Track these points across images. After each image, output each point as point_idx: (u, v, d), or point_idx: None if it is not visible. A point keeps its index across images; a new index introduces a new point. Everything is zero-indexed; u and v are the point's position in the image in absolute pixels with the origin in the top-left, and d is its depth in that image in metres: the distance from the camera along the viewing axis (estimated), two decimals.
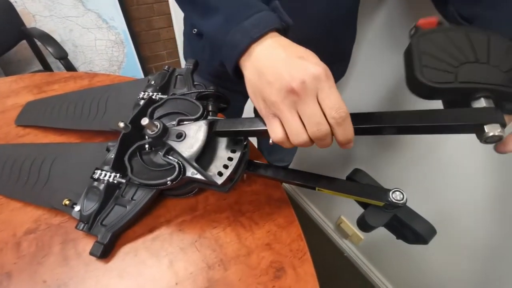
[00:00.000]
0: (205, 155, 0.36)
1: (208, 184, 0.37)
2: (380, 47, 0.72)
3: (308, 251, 0.41)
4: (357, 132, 0.29)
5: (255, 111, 0.51)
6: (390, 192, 0.33)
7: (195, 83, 0.49)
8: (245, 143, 0.38)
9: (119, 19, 1.56)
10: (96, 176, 0.40)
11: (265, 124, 0.30)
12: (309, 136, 0.28)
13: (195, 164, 0.35)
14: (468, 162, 0.67)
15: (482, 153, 0.63)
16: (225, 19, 0.31)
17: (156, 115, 0.42)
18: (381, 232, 0.40)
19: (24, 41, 1.28)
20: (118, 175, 0.40)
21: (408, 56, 0.30)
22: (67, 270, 0.37)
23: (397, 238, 0.37)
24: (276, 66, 0.27)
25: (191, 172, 0.36)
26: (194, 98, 0.43)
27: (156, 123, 0.35)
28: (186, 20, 0.64)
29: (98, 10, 1.49)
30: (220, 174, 0.36)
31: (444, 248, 0.82)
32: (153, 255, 0.39)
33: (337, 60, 0.63)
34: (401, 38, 0.66)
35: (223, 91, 0.45)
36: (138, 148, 0.39)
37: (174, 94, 0.48)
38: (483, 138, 0.26)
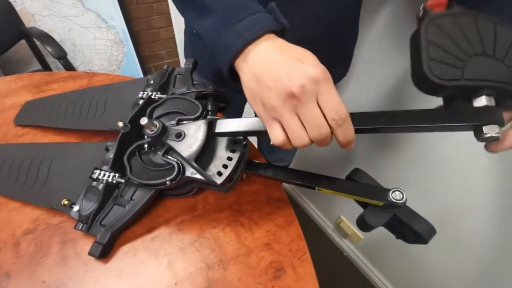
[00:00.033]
0: (204, 155, 0.36)
1: (208, 184, 0.37)
2: (382, 47, 0.72)
3: (308, 251, 0.41)
4: (358, 131, 0.28)
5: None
6: (390, 192, 0.32)
7: (195, 82, 0.49)
8: (244, 142, 0.38)
9: (118, 18, 1.56)
10: (95, 176, 0.40)
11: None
12: (310, 138, 0.28)
13: (194, 164, 0.35)
14: (468, 162, 0.67)
15: (482, 153, 0.62)
16: (219, 21, 0.31)
17: (155, 114, 0.42)
18: (381, 232, 0.40)
19: (23, 41, 1.28)
20: (117, 175, 0.39)
21: (415, 44, 0.29)
22: (66, 270, 0.37)
23: (397, 237, 0.37)
24: (273, 70, 0.27)
25: (190, 172, 0.36)
26: (194, 97, 0.43)
27: (155, 122, 0.35)
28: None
29: (97, 9, 1.48)
30: (219, 173, 0.35)
31: (444, 247, 0.82)
32: (152, 255, 0.39)
33: (338, 60, 0.62)
34: (403, 38, 0.66)
35: (223, 91, 0.45)
36: (137, 147, 0.39)
37: (173, 93, 0.47)
38: (481, 137, 0.26)
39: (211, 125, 0.36)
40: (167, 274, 0.37)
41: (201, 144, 0.35)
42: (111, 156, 0.39)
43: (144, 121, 0.34)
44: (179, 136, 0.36)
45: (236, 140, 0.38)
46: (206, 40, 0.33)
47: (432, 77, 0.27)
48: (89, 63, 1.63)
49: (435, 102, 0.31)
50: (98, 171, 0.40)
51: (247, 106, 0.77)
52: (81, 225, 0.38)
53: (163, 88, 0.49)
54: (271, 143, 0.30)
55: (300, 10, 0.46)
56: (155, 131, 0.35)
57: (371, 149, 0.92)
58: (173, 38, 1.85)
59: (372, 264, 1.18)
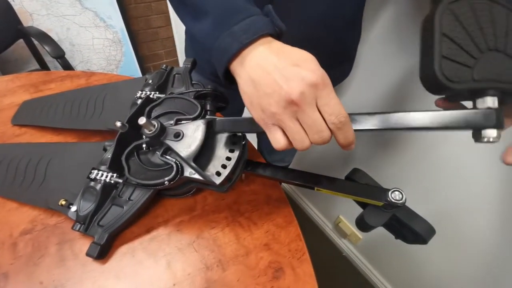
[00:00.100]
0: (203, 155, 0.36)
1: (206, 184, 0.37)
2: (385, 47, 0.71)
3: (307, 251, 0.41)
4: (358, 132, 0.28)
5: None
6: (389, 192, 0.32)
7: (194, 82, 0.49)
8: (243, 142, 0.38)
9: (116, 17, 1.55)
10: (92, 176, 0.39)
11: None
12: (311, 142, 0.28)
13: (193, 164, 0.34)
14: (468, 162, 0.67)
15: (482, 153, 0.63)
16: (215, 23, 0.30)
17: (154, 114, 0.42)
18: (380, 232, 0.40)
19: (21, 40, 1.27)
20: (115, 175, 0.39)
21: (428, 34, 0.28)
22: (64, 271, 0.37)
23: (396, 237, 0.37)
24: (271, 76, 0.26)
25: (189, 172, 0.36)
26: (192, 97, 0.43)
27: (154, 122, 0.35)
28: None
29: (96, 8, 1.48)
30: (218, 174, 0.35)
31: (444, 248, 0.82)
32: (150, 256, 0.39)
33: (341, 61, 0.62)
34: (406, 38, 0.66)
35: (223, 91, 0.44)
36: (136, 147, 0.38)
37: (172, 93, 0.47)
38: (479, 140, 0.26)
39: (210, 125, 0.36)
40: (166, 275, 0.37)
41: (199, 144, 0.35)
42: (109, 156, 0.39)
43: (142, 120, 0.34)
44: (178, 136, 0.36)
45: (235, 140, 0.37)
46: (202, 43, 0.33)
47: (442, 79, 0.26)
48: (87, 63, 1.63)
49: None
50: (96, 171, 0.40)
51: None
52: (79, 225, 0.38)
53: (161, 87, 0.49)
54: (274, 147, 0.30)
55: (301, 10, 0.45)
56: (153, 131, 0.35)
57: (371, 149, 0.92)
58: (171, 37, 1.85)
59: (371, 264, 1.18)
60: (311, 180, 0.38)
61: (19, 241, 0.39)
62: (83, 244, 0.39)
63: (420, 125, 0.27)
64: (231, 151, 0.37)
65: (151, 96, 0.46)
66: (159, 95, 0.46)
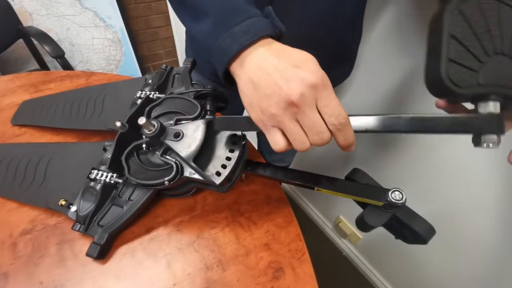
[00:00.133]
0: (203, 155, 0.36)
1: (206, 184, 0.37)
2: (386, 48, 0.71)
3: (307, 251, 0.41)
4: (357, 132, 0.28)
5: None
6: (389, 192, 0.32)
7: (193, 82, 0.49)
8: (243, 142, 0.38)
9: (116, 17, 1.55)
10: (92, 176, 0.39)
11: None
12: (311, 143, 0.28)
13: (192, 164, 0.34)
14: (468, 162, 0.67)
15: (482, 153, 0.63)
16: (215, 24, 0.30)
17: (154, 114, 0.42)
18: (380, 232, 0.40)
19: (21, 40, 1.27)
20: (115, 175, 0.39)
21: (436, 34, 0.27)
22: (64, 271, 0.37)
23: (396, 237, 0.37)
24: (271, 77, 0.26)
25: (188, 172, 0.36)
26: (192, 97, 0.43)
27: (154, 122, 0.35)
28: None
29: (95, 8, 1.48)
30: (218, 174, 0.35)
31: (444, 247, 0.82)
32: (150, 256, 0.39)
33: (341, 61, 0.62)
34: (407, 39, 0.66)
35: (223, 91, 0.44)
36: (135, 147, 0.38)
37: (171, 93, 0.47)
38: (478, 145, 0.26)
39: (209, 125, 0.36)
40: (166, 275, 0.37)
41: (199, 144, 0.35)
42: (109, 156, 0.39)
43: (142, 120, 0.34)
44: (178, 136, 0.36)
45: (235, 140, 0.37)
46: (202, 44, 0.33)
47: (448, 83, 0.26)
48: (87, 63, 1.63)
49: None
50: (95, 171, 0.40)
51: None
52: (79, 225, 0.38)
53: (161, 87, 0.49)
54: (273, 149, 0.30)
55: (301, 10, 0.45)
56: (153, 131, 0.35)
57: (371, 149, 0.92)
58: (171, 37, 1.85)
59: (371, 264, 1.18)
60: (311, 180, 0.38)
61: (19, 241, 0.39)
62: (83, 244, 0.39)
63: (421, 128, 0.27)
64: (231, 151, 0.37)
65: (151, 96, 0.46)
66: (159, 95, 0.46)
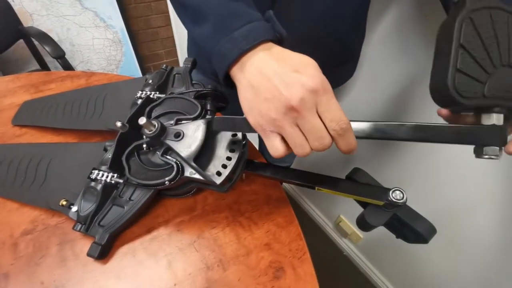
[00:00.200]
0: (203, 155, 0.36)
1: (207, 184, 0.37)
2: (389, 48, 0.71)
3: (308, 250, 0.41)
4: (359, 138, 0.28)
5: None
6: (390, 191, 0.32)
7: (194, 82, 0.49)
8: (244, 142, 0.38)
9: (116, 17, 1.55)
10: (93, 176, 0.39)
11: None
12: (311, 148, 0.27)
13: (193, 164, 0.34)
14: (469, 162, 0.67)
15: None
16: (215, 28, 0.30)
17: (154, 114, 0.42)
18: (381, 231, 0.40)
19: (22, 40, 1.27)
20: (115, 175, 0.39)
21: (445, 41, 0.27)
22: (65, 271, 0.37)
23: (397, 237, 0.37)
24: (271, 82, 0.26)
25: (189, 172, 0.36)
26: (192, 97, 0.43)
27: (154, 122, 0.35)
28: None
29: (96, 8, 1.48)
30: (218, 173, 0.35)
31: (444, 247, 0.82)
32: (151, 256, 0.39)
33: (344, 61, 0.62)
34: (409, 40, 0.65)
35: (224, 90, 0.44)
36: (136, 147, 0.38)
37: (172, 93, 0.47)
38: (480, 156, 0.26)
39: (210, 125, 0.36)
40: (167, 275, 0.37)
41: (200, 144, 0.35)
42: (110, 156, 0.39)
43: (142, 121, 0.34)
44: (178, 136, 0.36)
45: (235, 140, 0.37)
46: (203, 47, 0.32)
47: (454, 94, 0.26)
48: (88, 63, 1.63)
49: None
50: (96, 171, 0.40)
51: None
52: (80, 225, 0.38)
53: (161, 87, 0.49)
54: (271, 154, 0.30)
55: (301, 10, 0.45)
56: (153, 131, 0.35)
57: (372, 149, 0.92)
58: (172, 37, 1.85)
59: (372, 263, 1.18)
60: (312, 179, 0.38)
61: (20, 242, 0.39)
62: (84, 245, 0.39)
63: (423, 138, 0.27)
64: (232, 151, 0.37)
65: (151, 96, 0.46)
66: (159, 95, 0.46)
